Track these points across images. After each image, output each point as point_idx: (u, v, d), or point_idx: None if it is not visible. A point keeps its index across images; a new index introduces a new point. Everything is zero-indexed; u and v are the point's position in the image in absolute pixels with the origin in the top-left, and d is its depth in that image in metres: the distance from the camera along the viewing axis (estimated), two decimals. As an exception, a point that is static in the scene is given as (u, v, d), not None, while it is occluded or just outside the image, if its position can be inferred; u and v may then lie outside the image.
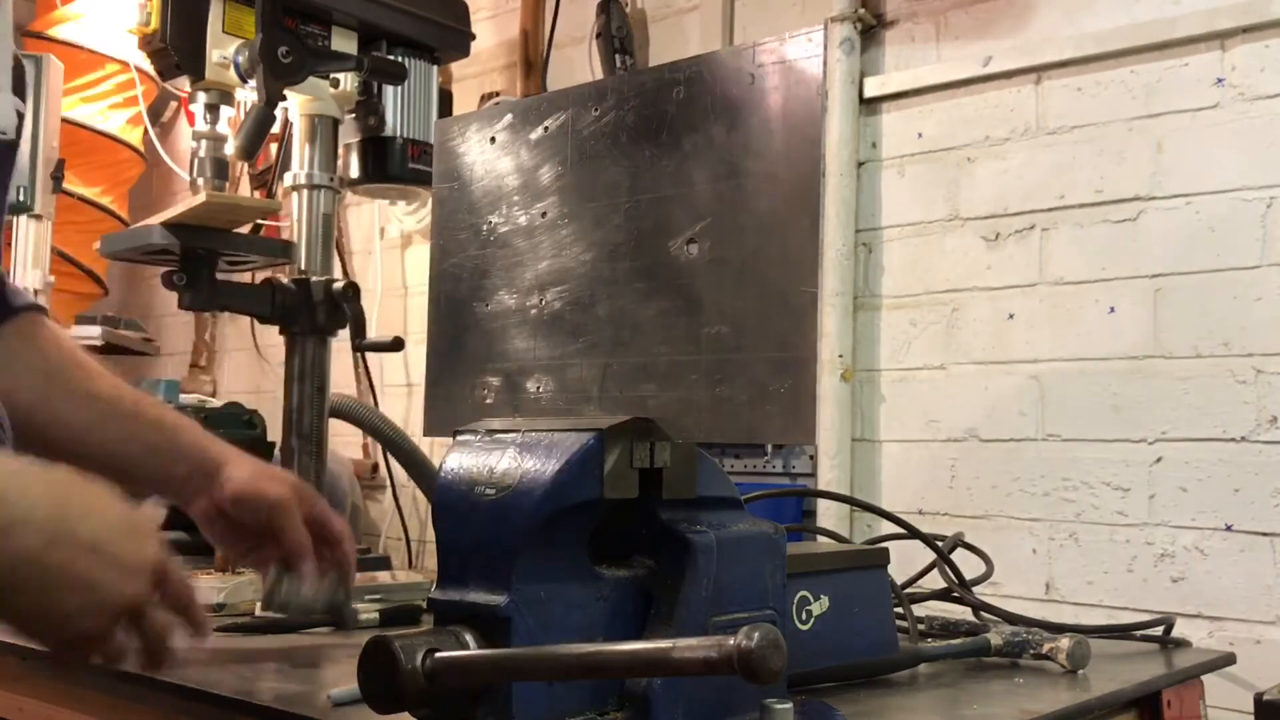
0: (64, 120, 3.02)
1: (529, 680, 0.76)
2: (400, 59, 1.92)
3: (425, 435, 1.20)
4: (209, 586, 1.52)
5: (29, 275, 2.82)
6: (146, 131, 3.65)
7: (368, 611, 1.45)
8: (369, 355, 3.02)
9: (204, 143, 1.85)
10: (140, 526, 0.85)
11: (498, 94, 2.94)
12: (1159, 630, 1.42)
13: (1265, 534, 1.85)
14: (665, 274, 0.95)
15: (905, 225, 2.27)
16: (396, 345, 1.82)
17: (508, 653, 0.73)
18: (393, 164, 1.93)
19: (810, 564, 1.10)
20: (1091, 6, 2.07)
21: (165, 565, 0.86)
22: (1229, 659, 1.40)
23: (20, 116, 1.00)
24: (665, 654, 0.65)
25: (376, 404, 2.86)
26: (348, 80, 1.89)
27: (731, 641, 0.61)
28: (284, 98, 1.81)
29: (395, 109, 1.93)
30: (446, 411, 1.04)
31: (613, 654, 0.68)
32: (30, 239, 2.83)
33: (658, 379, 0.94)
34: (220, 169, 1.86)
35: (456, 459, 0.84)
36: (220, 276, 1.71)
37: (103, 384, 1.17)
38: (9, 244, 2.80)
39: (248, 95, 1.84)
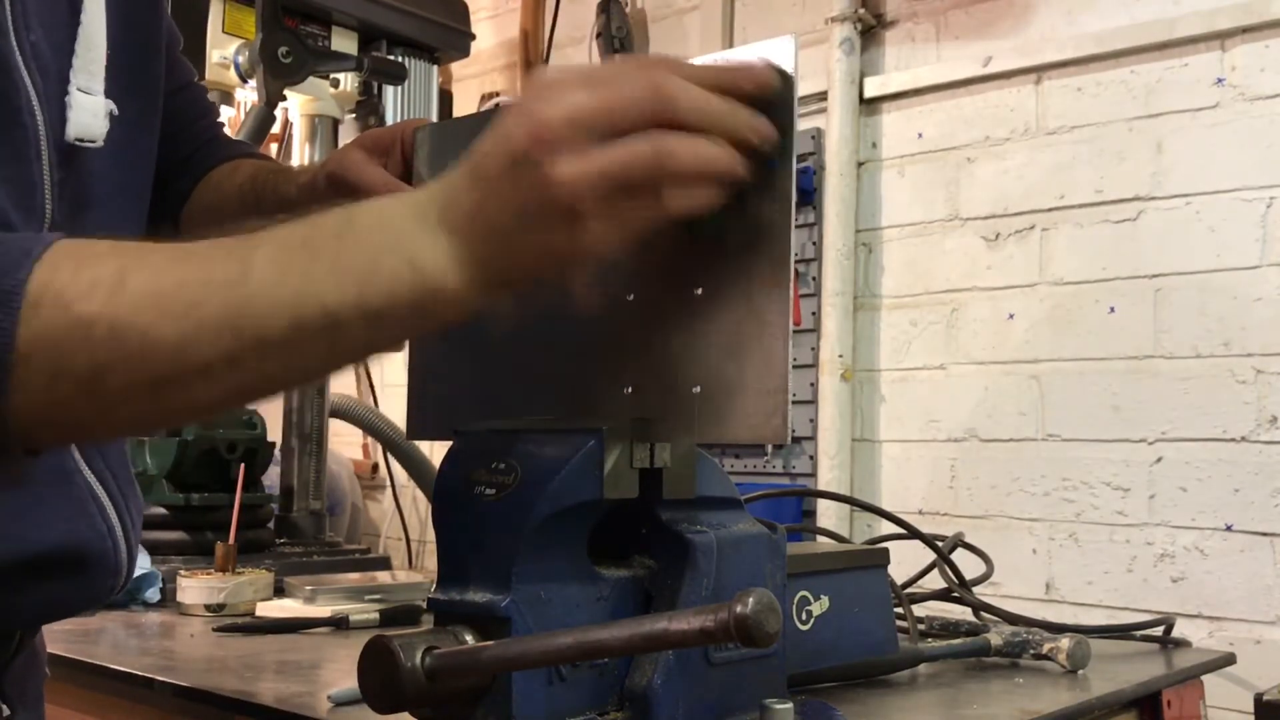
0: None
1: (529, 668, 0.75)
2: (400, 59, 1.92)
3: (409, 438, 1.14)
4: (209, 586, 1.52)
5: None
6: (146, 131, 3.64)
7: (367, 611, 1.45)
8: (369, 355, 3.02)
9: (204, 143, 1.85)
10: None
11: (498, 94, 2.94)
12: (1159, 630, 1.41)
13: (1265, 534, 1.85)
14: None
15: (905, 225, 2.27)
16: (396, 345, 1.81)
17: (507, 642, 0.73)
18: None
19: (810, 564, 1.10)
20: (1091, 6, 2.07)
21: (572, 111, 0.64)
22: (1229, 659, 1.40)
23: (112, 118, 0.82)
24: (663, 629, 0.65)
25: (376, 404, 2.86)
26: (348, 80, 1.90)
27: (726, 609, 0.61)
28: (284, 98, 1.81)
29: (395, 109, 1.93)
30: (434, 414, 1.02)
31: (611, 635, 0.68)
32: (30, 239, 2.83)
33: None
34: (220, 169, 1.85)
35: (456, 458, 0.84)
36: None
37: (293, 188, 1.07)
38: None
39: (248, 95, 1.84)
